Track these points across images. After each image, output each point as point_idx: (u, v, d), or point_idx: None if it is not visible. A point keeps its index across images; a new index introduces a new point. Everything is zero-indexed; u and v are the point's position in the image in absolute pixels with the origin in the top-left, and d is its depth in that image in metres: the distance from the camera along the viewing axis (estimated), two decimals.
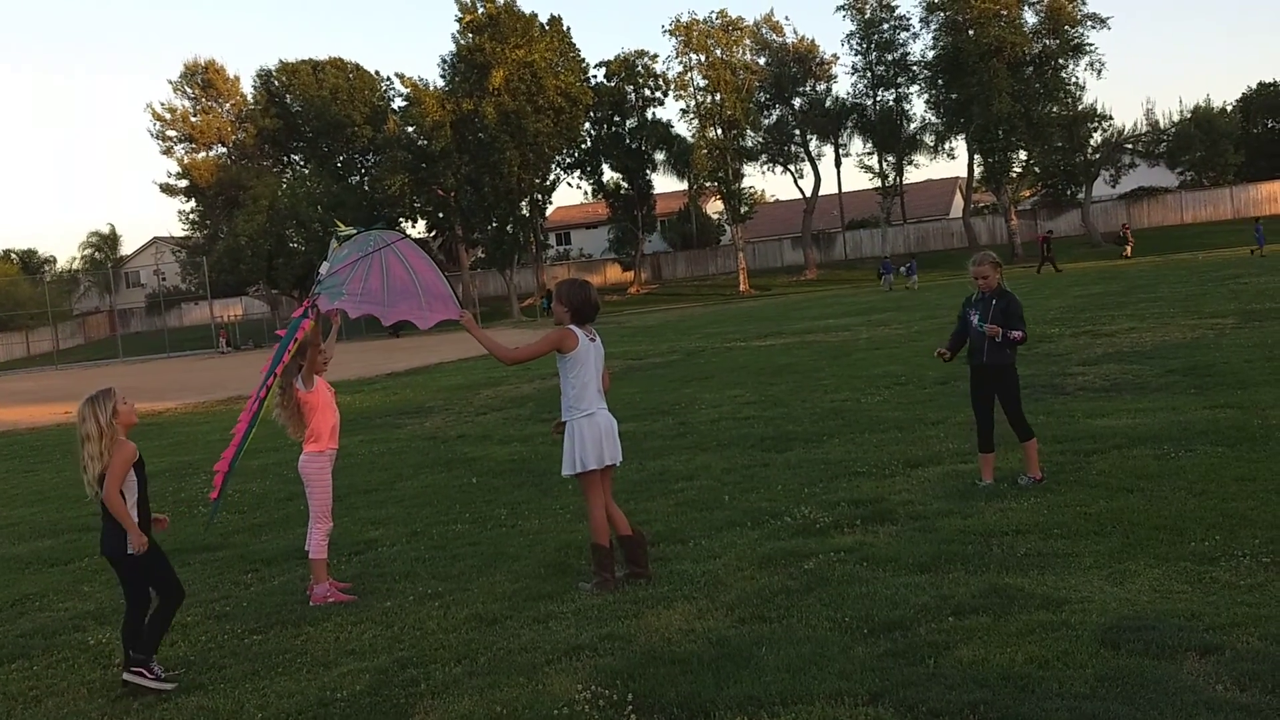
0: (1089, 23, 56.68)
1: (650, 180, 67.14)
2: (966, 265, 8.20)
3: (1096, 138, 60.90)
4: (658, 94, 65.19)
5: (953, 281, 46.09)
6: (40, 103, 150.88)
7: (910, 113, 64.14)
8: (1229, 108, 62.95)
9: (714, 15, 61.05)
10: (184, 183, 67.02)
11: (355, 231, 6.92)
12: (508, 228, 61.25)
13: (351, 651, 5.67)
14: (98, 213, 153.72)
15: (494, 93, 56.99)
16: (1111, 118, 63.96)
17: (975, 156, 59.80)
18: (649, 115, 65.76)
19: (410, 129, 60.43)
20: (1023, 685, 4.27)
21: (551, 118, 58.72)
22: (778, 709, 4.28)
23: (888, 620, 5.15)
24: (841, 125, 64.60)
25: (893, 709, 4.19)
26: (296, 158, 71.66)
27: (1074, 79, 57.70)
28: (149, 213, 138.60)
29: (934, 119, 62.33)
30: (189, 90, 68.17)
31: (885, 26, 62.52)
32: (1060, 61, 56.92)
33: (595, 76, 64.43)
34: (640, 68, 64.63)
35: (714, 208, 75.36)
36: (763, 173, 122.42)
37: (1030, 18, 57.15)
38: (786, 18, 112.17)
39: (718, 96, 60.08)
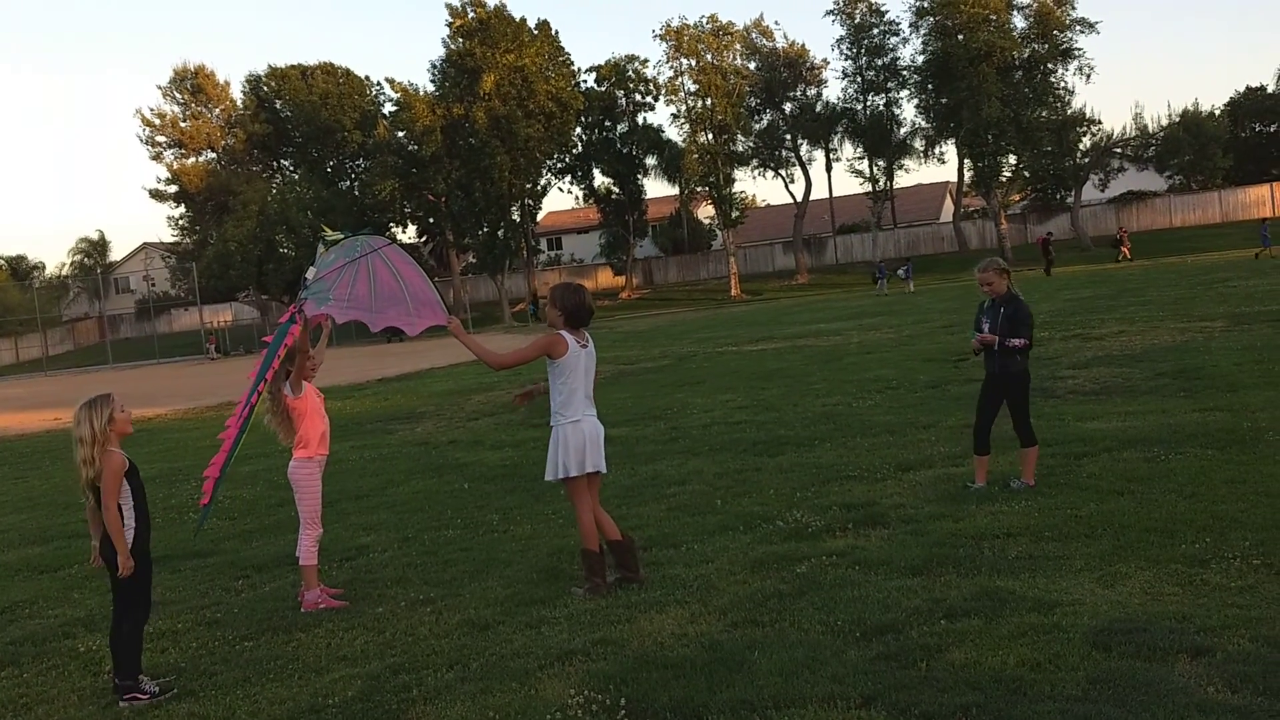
0: (1078, 27, 57.06)
1: (641, 185, 67.20)
2: (974, 271, 8.15)
3: (1086, 142, 61.27)
4: (648, 99, 65.34)
5: (944, 285, 46.22)
6: (29, 108, 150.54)
7: (900, 117, 64.48)
8: (1217, 111, 63.25)
9: (704, 20, 61.33)
10: (173, 188, 66.91)
11: (343, 236, 6.90)
12: (499, 233, 61.25)
13: (343, 657, 5.66)
14: (87, 219, 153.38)
15: (485, 97, 57.00)
16: (1100, 122, 64.56)
17: (965, 161, 60.06)
18: (640, 120, 65.90)
19: (400, 134, 60.39)
20: (1014, 688, 4.28)
21: (542, 122, 58.75)
22: (770, 713, 4.28)
23: (880, 623, 5.16)
24: (832, 130, 64.76)
25: (885, 712, 4.19)
26: (286, 163, 71.55)
27: (1063, 83, 58.09)
28: (138, 218, 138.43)
29: (924, 123, 62.59)
30: (178, 95, 68.04)
31: (875, 31, 62.74)
32: (1049, 66, 57.21)
33: (586, 81, 64.51)
34: (631, 72, 64.75)
35: (705, 212, 75.49)
36: (754, 177, 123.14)
37: (1019, 22, 57.51)
38: (776, 22, 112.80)
39: (708, 101, 60.24)
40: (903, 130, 64.31)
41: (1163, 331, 16.93)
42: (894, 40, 62.72)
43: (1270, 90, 66.01)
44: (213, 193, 64.64)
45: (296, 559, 6.84)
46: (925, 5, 57.37)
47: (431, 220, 64.63)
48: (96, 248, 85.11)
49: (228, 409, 22.04)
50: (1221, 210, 60.26)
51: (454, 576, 7.02)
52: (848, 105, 64.46)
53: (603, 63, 65.16)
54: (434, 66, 60.81)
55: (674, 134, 64.42)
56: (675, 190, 68.54)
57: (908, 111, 77.01)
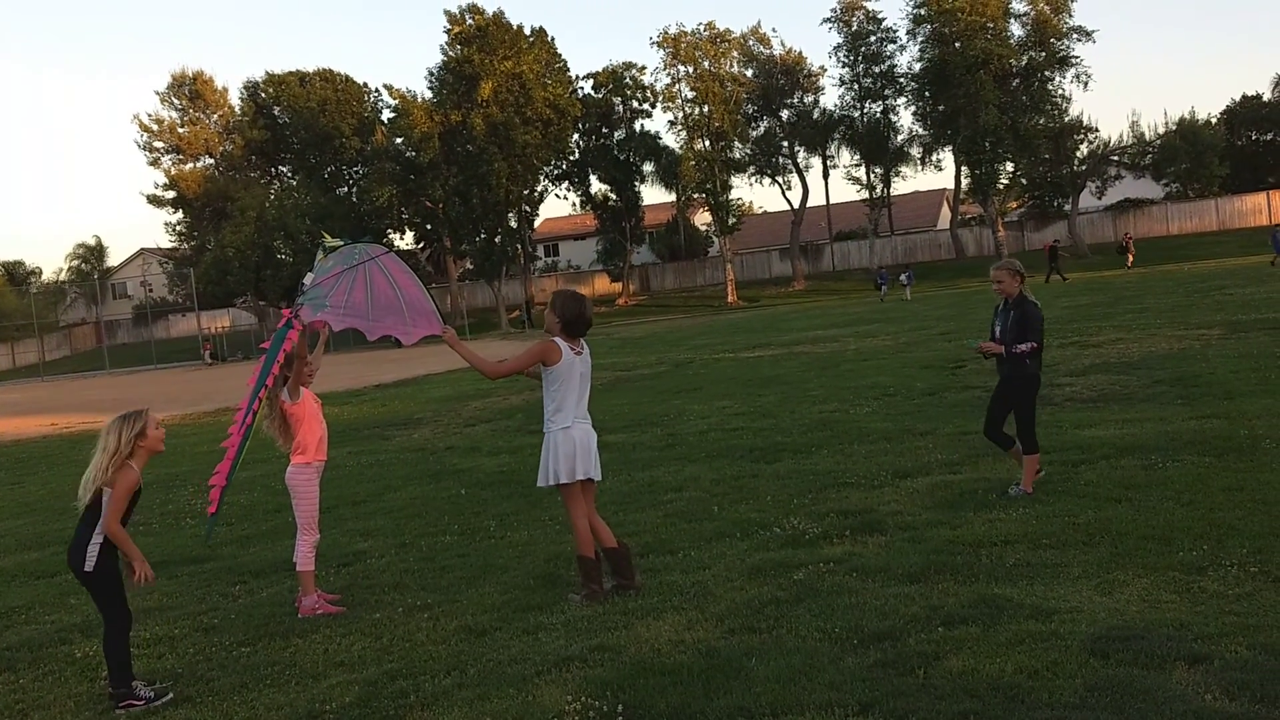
0: (1074, 35, 57.13)
1: (638, 192, 67.24)
2: (987, 272, 8.17)
3: (1083, 149, 61.35)
4: (646, 106, 65.37)
5: (941, 293, 46.25)
6: (27, 113, 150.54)
7: (897, 124, 64.44)
8: (1213, 120, 63.37)
9: (702, 27, 61.42)
10: (171, 194, 66.96)
11: (341, 243, 6.91)
12: (496, 239, 61.27)
13: (340, 663, 5.65)
14: (85, 224, 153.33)
15: (482, 104, 57.06)
16: (1098, 130, 64.72)
17: (962, 168, 60.12)
18: (637, 127, 65.94)
19: (398, 140, 60.42)
20: (1012, 695, 4.28)
21: (540, 129, 58.80)
22: (768, 719, 4.28)
23: (877, 630, 5.15)
24: (829, 137, 64.81)
25: (883, 719, 4.19)
26: (284, 169, 71.60)
27: (1060, 91, 58.18)
28: (136, 224, 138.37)
29: (921, 131, 62.64)
30: (176, 101, 68.16)
31: (872, 39, 62.79)
32: (1046, 74, 57.35)
33: (583, 88, 64.57)
34: (628, 79, 64.78)
35: (702, 219, 75.51)
36: (750, 184, 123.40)
37: (1016, 30, 57.64)
38: (774, 30, 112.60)
39: (705, 108, 60.30)
40: (900, 137, 64.36)
41: (1160, 339, 16.96)
42: (891, 48, 62.83)
43: (1266, 99, 66.20)
44: (210, 198, 64.68)
45: (294, 564, 6.83)
46: (922, 13, 57.47)
47: (429, 227, 64.63)
48: (94, 253, 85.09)
49: (224, 415, 22.03)
50: (1218, 218, 60.37)
51: (451, 582, 7.01)
52: (845, 112, 64.51)
53: (600, 70, 65.22)
54: (431, 74, 60.92)
55: (671, 141, 64.57)
56: (672, 197, 68.61)
57: (905, 119, 77.03)
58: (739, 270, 66.32)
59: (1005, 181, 60.66)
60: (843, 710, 4.28)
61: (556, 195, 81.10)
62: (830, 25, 63.40)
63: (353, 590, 7.11)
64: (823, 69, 65.84)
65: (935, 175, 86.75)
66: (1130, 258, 48.14)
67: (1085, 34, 57.13)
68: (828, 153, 65.64)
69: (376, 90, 67.56)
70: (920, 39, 58.80)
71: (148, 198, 68.17)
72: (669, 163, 63.79)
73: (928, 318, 29.34)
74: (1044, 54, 56.97)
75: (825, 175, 66.95)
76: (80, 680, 5.86)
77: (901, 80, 62.55)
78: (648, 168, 66.28)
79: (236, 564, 8.26)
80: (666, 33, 60.88)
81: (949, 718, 4.12)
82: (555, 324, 6.34)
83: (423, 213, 63.06)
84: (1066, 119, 58.85)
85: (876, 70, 63.02)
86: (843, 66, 63.59)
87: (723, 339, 30.99)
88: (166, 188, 67.08)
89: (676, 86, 61.69)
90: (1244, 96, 67.06)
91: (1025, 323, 7.69)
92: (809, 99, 65.20)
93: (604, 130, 65.79)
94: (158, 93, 75.51)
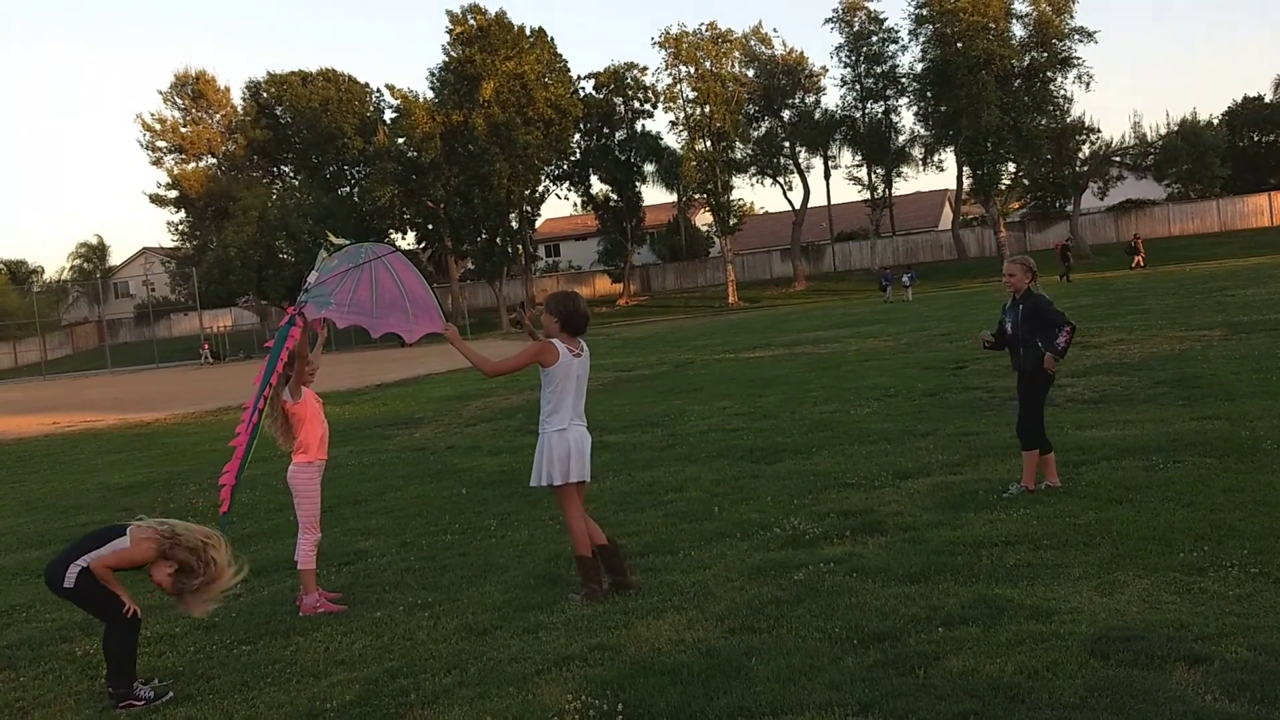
0: (1076, 36, 57.07)
1: (639, 192, 67.28)
2: (989, 273, 8.21)
3: (1085, 150, 61.28)
4: (647, 106, 65.42)
5: (942, 293, 46.24)
6: (30, 112, 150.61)
7: (899, 125, 64.43)
8: (1215, 121, 63.31)
9: (703, 27, 61.42)
10: (173, 193, 67.00)
11: (347, 242, 6.94)
12: (497, 239, 61.29)
13: (341, 662, 5.66)
14: (87, 223, 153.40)
15: (484, 104, 57.08)
16: (1099, 130, 64.41)
17: (964, 169, 60.07)
18: (638, 127, 65.96)
19: (400, 141, 60.44)
20: (1012, 695, 4.28)
21: (541, 129, 58.83)
22: (768, 719, 4.29)
23: (877, 631, 5.16)
24: (830, 137, 64.78)
25: (882, 719, 4.20)
26: (286, 169, 71.63)
27: (1062, 92, 58.10)
28: (138, 224, 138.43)
29: (923, 131, 62.56)
30: (179, 101, 68.22)
31: (874, 39, 62.76)
32: (1048, 74, 57.28)
33: (585, 88, 64.57)
34: (630, 80, 64.81)
35: (703, 220, 75.50)
36: (752, 185, 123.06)
37: (1018, 31, 57.57)
38: (775, 30, 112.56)
39: (707, 108, 60.31)
40: (901, 138, 64.34)
41: (1161, 340, 16.95)
42: (893, 48, 62.81)
43: (1268, 100, 66.14)
44: (213, 198, 64.72)
45: (295, 563, 6.84)
46: (924, 13, 57.41)
47: (430, 227, 64.66)
48: (96, 252, 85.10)
49: (226, 413, 22.05)
50: (1220, 219, 60.33)
51: (452, 581, 7.02)
52: (846, 113, 64.49)
53: (601, 70, 65.25)
54: (433, 74, 60.95)
55: (672, 141, 64.57)
56: (673, 197, 68.60)
57: (906, 119, 77.03)
58: (740, 271, 66.32)
59: (1007, 182, 60.59)
60: (842, 710, 4.29)
61: (558, 195, 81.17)
62: (832, 25, 63.44)
63: (354, 589, 7.12)
64: (824, 69, 65.95)
65: (937, 176, 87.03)
66: (1140, 258, 47.94)
67: (1087, 35, 57.12)
68: (829, 153, 65.63)
69: (378, 90, 67.67)
70: (922, 39, 58.75)
71: (150, 197, 68.30)
72: (670, 163, 63.79)
73: (929, 318, 29.33)
74: (1046, 54, 56.93)
75: (826, 176, 66.99)
76: (81, 678, 5.87)
77: (903, 80, 62.53)
78: (649, 168, 66.30)
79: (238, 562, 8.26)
80: (668, 33, 60.93)
81: (949, 718, 4.13)
82: (553, 324, 6.36)
83: (424, 213, 63.09)
84: (1068, 120, 58.81)
85: (878, 70, 62.99)
86: (844, 67, 63.63)
87: (724, 339, 31.00)
88: (169, 187, 67.14)
89: (678, 87, 61.71)
90: (1246, 98, 67.01)
91: (1040, 314, 7.72)
92: (810, 99, 65.21)
93: (605, 130, 65.82)
94: (160, 92, 75.46)
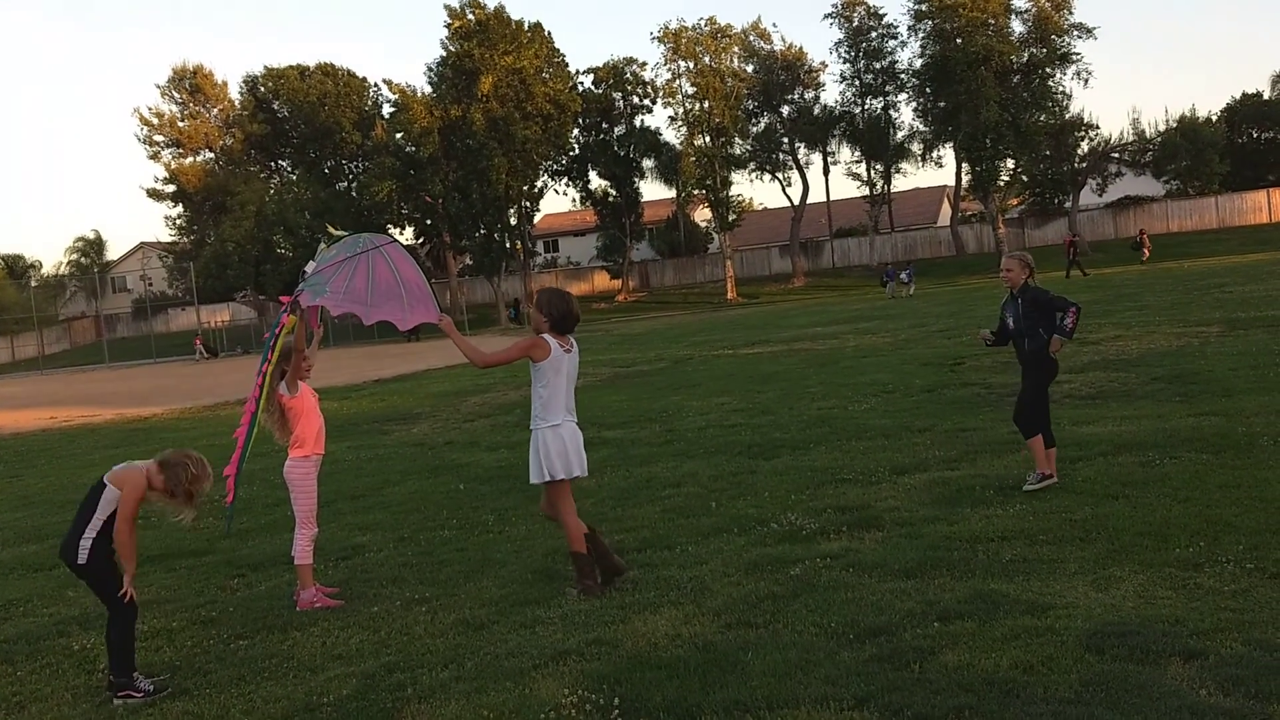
0: (1075, 32, 57.05)
1: (638, 188, 67.16)
2: (988, 269, 8.23)
3: (1083, 146, 61.29)
4: (646, 101, 65.26)
5: (941, 290, 46.24)
6: (27, 106, 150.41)
7: (898, 121, 64.35)
8: (1214, 117, 63.31)
9: (703, 22, 61.26)
10: (171, 188, 66.88)
11: (346, 234, 6.96)
12: (495, 235, 61.23)
13: (338, 656, 5.66)
14: (84, 218, 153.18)
15: (482, 99, 56.99)
16: (1098, 127, 64.50)
17: (963, 165, 60.06)
18: (637, 122, 65.86)
19: (398, 135, 60.37)
20: (1007, 690, 4.29)
21: (540, 124, 58.73)
22: (764, 714, 4.30)
23: (873, 625, 5.17)
24: (829, 133, 64.73)
25: (878, 714, 4.21)
26: (284, 163, 71.52)
27: (1061, 88, 58.07)
28: (136, 218, 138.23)
29: (922, 127, 62.54)
30: (177, 95, 68.03)
31: (873, 34, 62.71)
32: (1047, 70, 57.25)
33: (583, 83, 64.48)
34: (629, 75, 64.69)
35: (702, 216, 75.49)
36: (751, 180, 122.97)
37: (1018, 27, 57.55)
38: (774, 25, 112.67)
39: (706, 104, 60.22)
40: (900, 134, 64.33)
41: (1159, 336, 16.96)
42: (892, 44, 62.72)
43: (1267, 97, 66.13)
44: (210, 192, 64.58)
45: (292, 558, 6.85)
46: (924, 9, 57.38)
47: (429, 222, 64.56)
48: (93, 247, 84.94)
49: (223, 409, 22.06)
50: (1218, 216, 60.36)
51: (449, 576, 7.03)
52: (845, 108, 64.43)
53: (601, 65, 65.14)
54: (430, 69, 60.84)
55: (671, 136, 64.47)
56: (672, 193, 68.53)
57: (905, 115, 76.99)
58: (739, 267, 66.28)
59: (1006, 178, 60.61)
60: (838, 704, 4.30)
61: (556, 191, 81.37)
62: (831, 21, 63.36)
63: (351, 584, 7.12)
64: (823, 65, 65.88)
65: (936, 172, 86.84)
66: (1146, 253, 47.87)
67: (1086, 31, 57.11)
68: (828, 149, 65.58)
69: (376, 85, 67.52)
70: (921, 35, 58.71)
71: (148, 191, 68.09)
72: (669, 159, 63.71)
73: (927, 315, 29.34)
74: (1045, 50, 56.89)
75: (825, 171, 66.97)
76: (78, 673, 5.88)
77: (902, 76, 62.49)
78: (648, 163, 66.18)
79: (235, 557, 8.28)
80: (667, 28, 60.82)
81: (944, 712, 4.14)
82: (543, 322, 6.41)
83: (422, 208, 62.99)
84: (1067, 116, 58.80)
85: (877, 66, 62.94)
86: (844, 62, 63.57)
87: (722, 335, 31.00)
88: (166, 181, 67.00)
89: (677, 82, 61.63)
90: (1244, 94, 67.00)
91: (1041, 303, 7.74)
92: (810, 95, 65.16)
93: (604, 126, 65.69)
94: (158, 86, 75.14)
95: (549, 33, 61.70)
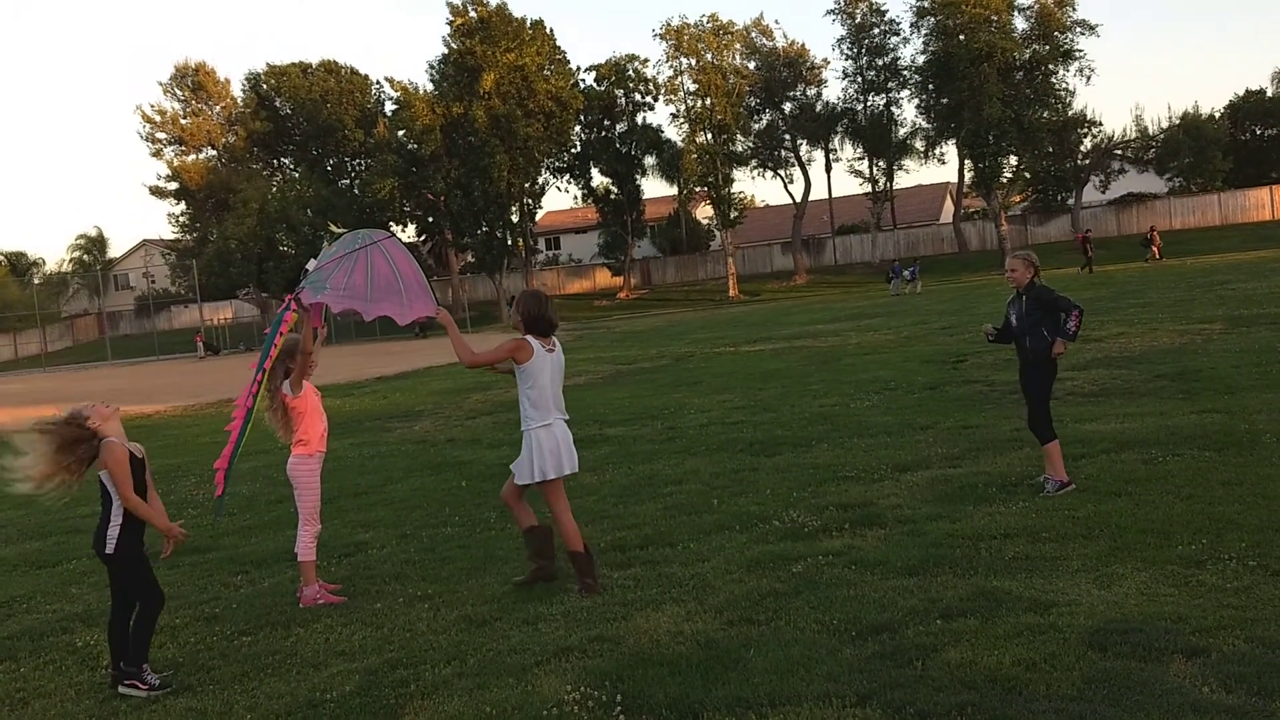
0: (1078, 29, 56.91)
1: (640, 185, 67.11)
2: (991, 267, 8.21)
3: (1086, 143, 61.18)
4: (648, 98, 65.18)
5: (943, 287, 46.21)
6: (30, 103, 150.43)
7: (901, 118, 64.28)
8: (1217, 114, 63.19)
9: (705, 19, 61.17)
10: (174, 185, 66.90)
11: (345, 232, 6.99)
12: (497, 232, 61.21)
13: (341, 653, 5.67)
14: (87, 214, 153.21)
15: (484, 96, 56.96)
16: (1101, 124, 64.14)
17: (966, 161, 59.97)
18: (639, 120, 65.78)
19: (400, 133, 60.36)
20: (1010, 687, 4.30)
21: (542, 122, 58.71)
22: (766, 710, 4.30)
23: (876, 623, 5.17)
24: (832, 130, 64.63)
25: (880, 710, 4.21)
26: (286, 161, 71.55)
27: (1064, 85, 57.92)
28: (139, 215, 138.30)
29: (924, 124, 62.41)
30: (179, 92, 68.09)
31: (876, 31, 62.62)
32: (1050, 67, 57.10)
33: (585, 80, 64.43)
34: (631, 72, 64.61)
35: (704, 213, 75.44)
36: (753, 178, 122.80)
37: (1020, 23, 57.40)
38: (777, 22, 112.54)
39: (708, 101, 60.15)
40: (903, 131, 64.20)
41: (1162, 334, 16.95)
42: (895, 40, 62.60)
43: (1269, 94, 66.00)
44: (213, 190, 64.62)
45: (295, 555, 6.86)
46: (926, 5, 57.27)
47: (431, 219, 64.57)
48: (95, 244, 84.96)
49: (225, 405, 22.05)
50: (1221, 213, 60.26)
51: (452, 573, 7.04)
52: (848, 105, 64.34)
53: (602, 62, 65.07)
54: (432, 66, 60.82)
55: (673, 134, 64.38)
56: (674, 190, 68.44)
57: (908, 112, 77.25)
58: (740, 264, 66.23)
59: (1009, 175, 60.47)
60: (840, 701, 4.30)
61: (558, 188, 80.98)
62: (834, 18, 63.28)
63: (354, 580, 7.13)
64: (826, 61, 65.70)
65: (938, 169, 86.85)
66: (1156, 250, 47.74)
67: (1089, 27, 56.96)
68: (830, 146, 65.48)
69: (378, 82, 67.49)
70: (924, 31, 58.57)
71: (150, 189, 68.12)
72: (671, 156, 63.63)
73: (929, 312, 29.31)
74: (1048, 47, 56.74)
75: (827, 169, 66.87)
76: (81, 669, 5.89)
77: (905, 73, 62.36)
78: (649, 161, 66.11)
79: (238, 554, 8.29)
80: (669, 25, 60.75)
81: (947, 709, 4.14)
82: (519, 323, 6.44)
83: (424, 205, 63.01)
84: (1070, 112, 58.68)
85: (880, 63, 62.84)
86: (846, 59, 63.46)
87: (724, 333, 30.99)
88: (169, 179, 67.04)
89: (679, 79, 61.56)
90: (1247, 91, 66.78)
91: (1045, 302, 7.71)
92: (812, 92, 65.04)
93: (606, 123, 65.62)
94: (160, 83, 75.11)
95: (551, 30, 61.70)
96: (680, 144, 62.58)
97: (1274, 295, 21.83)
